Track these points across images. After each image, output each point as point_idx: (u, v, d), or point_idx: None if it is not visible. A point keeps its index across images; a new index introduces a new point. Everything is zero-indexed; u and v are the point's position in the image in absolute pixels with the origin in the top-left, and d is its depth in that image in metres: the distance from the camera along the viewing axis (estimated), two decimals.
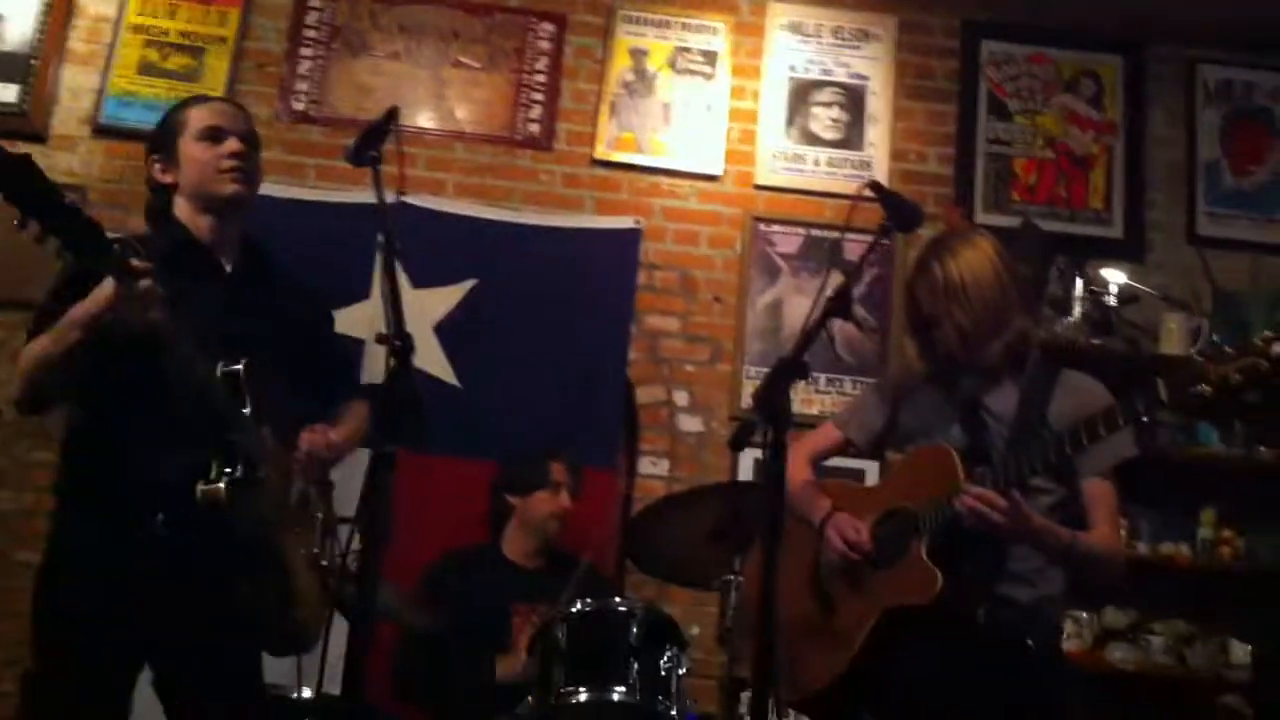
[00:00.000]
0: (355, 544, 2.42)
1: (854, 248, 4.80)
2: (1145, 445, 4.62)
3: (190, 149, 2.90)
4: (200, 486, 2.58)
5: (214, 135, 2.91)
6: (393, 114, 2.64)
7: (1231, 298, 4.98)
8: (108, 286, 2.45)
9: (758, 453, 2.34)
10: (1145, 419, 2.49)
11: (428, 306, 4.94)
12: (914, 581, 2.67)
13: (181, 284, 2.62)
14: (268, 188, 4.89)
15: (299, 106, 5.21)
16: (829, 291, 2.57)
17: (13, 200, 2.26)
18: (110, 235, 2.44)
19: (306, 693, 3.37)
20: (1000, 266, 2.88)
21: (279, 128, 5.17)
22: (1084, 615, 4.68)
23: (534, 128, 5.29)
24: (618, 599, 3.53)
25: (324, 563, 2.97)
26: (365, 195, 3.12)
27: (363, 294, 4.74)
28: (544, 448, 4.39)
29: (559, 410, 4.87)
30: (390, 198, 2.62)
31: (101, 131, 5.13)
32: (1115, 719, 4.67)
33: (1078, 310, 4.95)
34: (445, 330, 4.94)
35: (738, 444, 2.41)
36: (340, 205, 4.98)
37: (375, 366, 4.63)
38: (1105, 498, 2.82)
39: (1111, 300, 4.99)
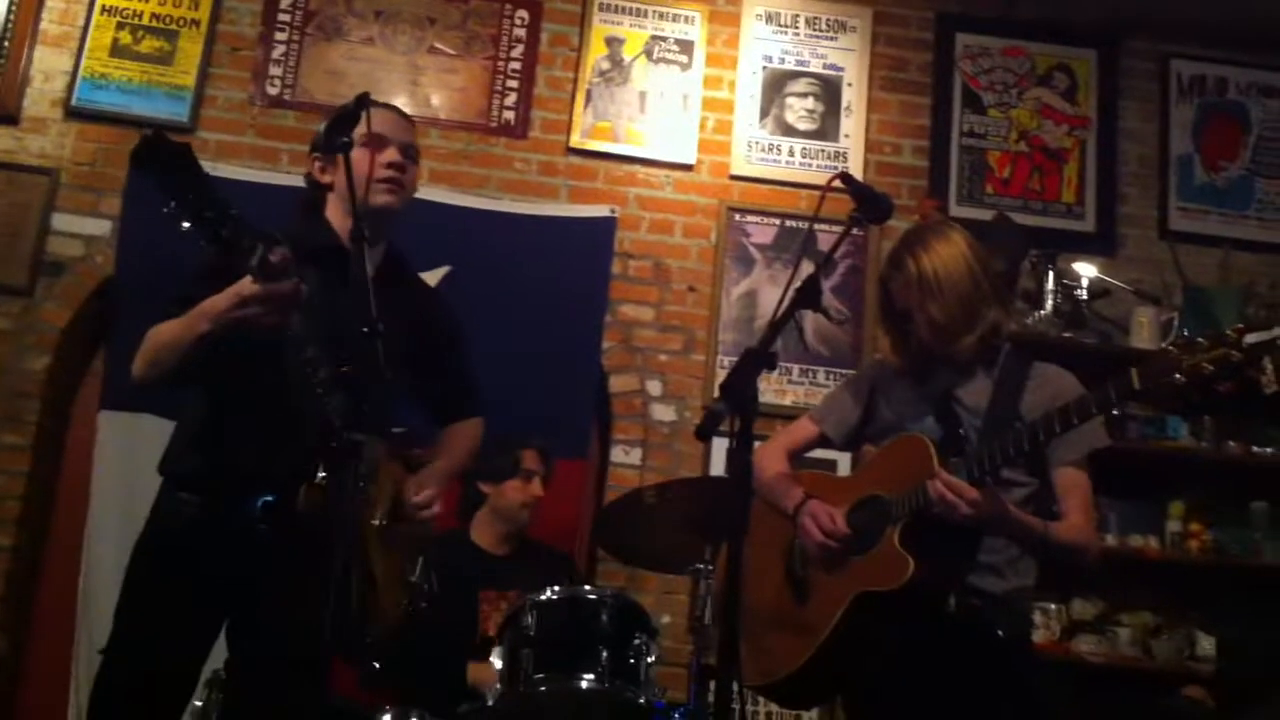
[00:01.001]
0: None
1: (828, 239, 4.84)
2: (1115, 437, 4.71)
3: (355, 155, 2.79)
4: (303, 488, 2.56)
5: (376, 142, 2.88)
6: (363, 100, 2.63)
7: (1202, 292, 5.01)
8: (247, 284, 2.45)
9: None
10: (1117, 408, 2.50)
11: None
12: (886, 567, 2.68)
13: (320, 285, 2.63)
14: (240, 172, 4.98)
15: (273, 91, 5.18)
16: (798, 282, 2.58)
17: (165, 189, 2.26)
18: (260, 231, 2.43)
19: None
20: (973, 260, 2.89)
21: (252, 112, 5.15)
22: (1052, 607, 4.71)
23: (509, 115, 5.27)
24: (587, 587, 3.52)
25: (412, 579, 2.96)
26: None
27: None
28: (517, 435, 4.38)
29: (532, 399, 4.85)
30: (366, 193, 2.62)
31: (74, 114, 5.09)
32: (1082, 710, 4.71)
33: (1050, 303, 4.98)
34: None
35: (705, 433, 2.41)
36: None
37: None
38: (1077, 487, 2.83)
39: (1083, 294, 5.02)
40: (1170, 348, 2.45)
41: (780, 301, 2.57)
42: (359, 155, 2.82)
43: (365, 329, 2.39)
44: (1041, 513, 2.81)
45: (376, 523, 2.79)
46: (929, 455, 2.72)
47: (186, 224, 2.29)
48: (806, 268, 5.11)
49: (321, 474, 2.57)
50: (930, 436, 2.80)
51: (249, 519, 2.68)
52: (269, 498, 2.68)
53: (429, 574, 3.04)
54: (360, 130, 2.71)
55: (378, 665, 3.33)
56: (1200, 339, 2.41)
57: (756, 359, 2.41)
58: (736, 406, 2.32)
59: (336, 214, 2.92)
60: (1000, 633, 2.76)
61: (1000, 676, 2.76)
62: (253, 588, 2.71)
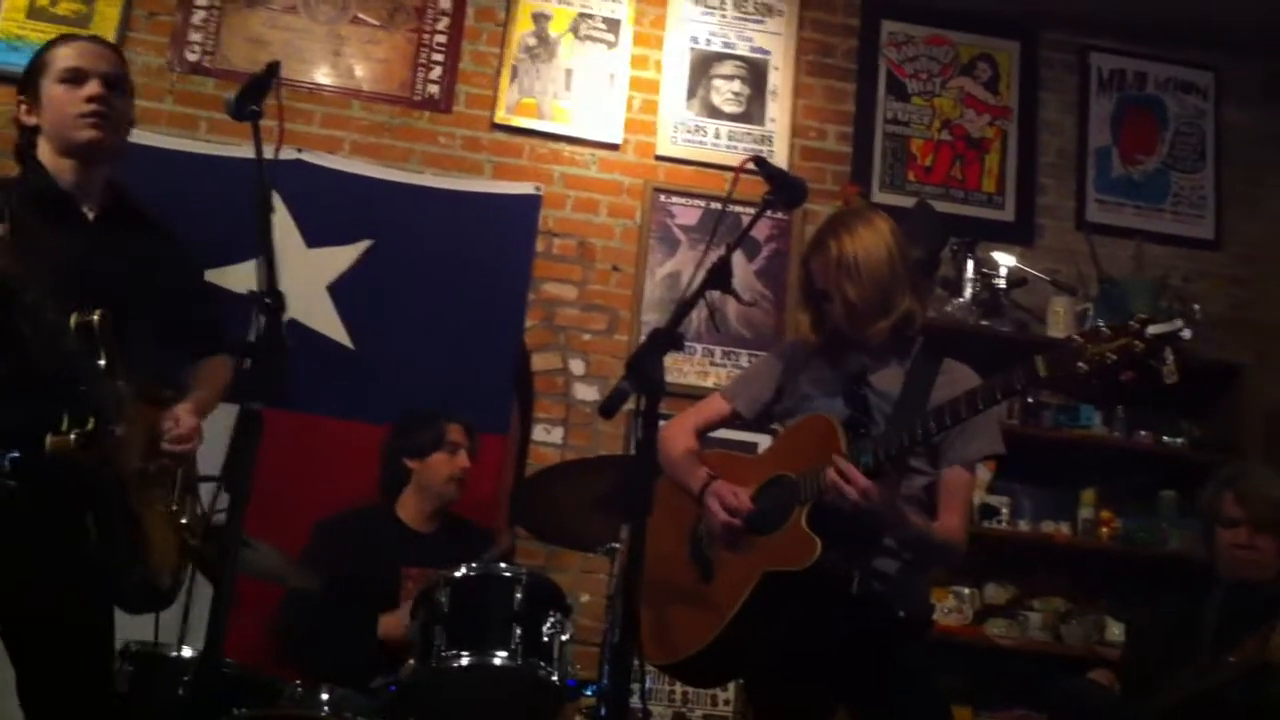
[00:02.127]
0: (220, 502, 2.40)
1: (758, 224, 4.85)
2: (1029, 425, 4.78)
3: (51, 90, 2.82)
4: (50, 438, 2.52)
5: (75, 77, 2.82)
6: (273, 68, 2.59)
7: (1116, 284, 5.08)
8: None
9: None
10: (1021, 395, 2.55)
11: (322, 266, 4.87)
12: (793, 547, 2.70)
13: (38, 230, 2.57)
14: (157, 139, 4.90)
15: (192, 57, 5.09)
16: (710, 264, 2.59)
17: None
18: None
19: (188, 651, 3.33)
20: (894, 249, 2.93)
21: (171, 78, 5.06)
22: (965, 591, 4.77)
23: (433, 89, 5.22)
24: (502, 564, 3.51)
25: (183, 520, 2.92)
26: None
27: (251, 252, 4.62)
28: (440, 410, 4.36)
29: (453, 374, 4.84)
30: (291, 154, 2.57)
31: None
32: (993, 693, 4.78)
33: (968, 291, 5.03)
34: (340, 291, 4.87)
35: (608, 411, 2.41)
36: (231, 160, 4.86)
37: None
38: (958, 487, 2.89)
39: (1001, 283, 5.08)
40: (1075, 337, 2.50)
41: (689, 283, 2.58)
42: (58, 92, 2.81)
43: (268, 299, 2.35)
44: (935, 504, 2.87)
45: (135, 464, 2.74)
46: (834, 435, 2.75)
47: None
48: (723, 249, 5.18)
49: (67, 421, 2.54)
50: (838, 417, 2.82)
51: None
52: (14, 454, 2.59)
53: (198, 510, 2.99)
54: (59, 67, 2.73)
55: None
56: (1105, 328, 2.46)
57: (663, 339, 2.41)
58: (641, 386, 2.32)
59: (48, 155, 2.84)
60: (901, 614, 2.80)
61: (899, 658, 2.81)
62: (11, 548, 2.62)
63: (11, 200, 2.47)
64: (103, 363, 2.64)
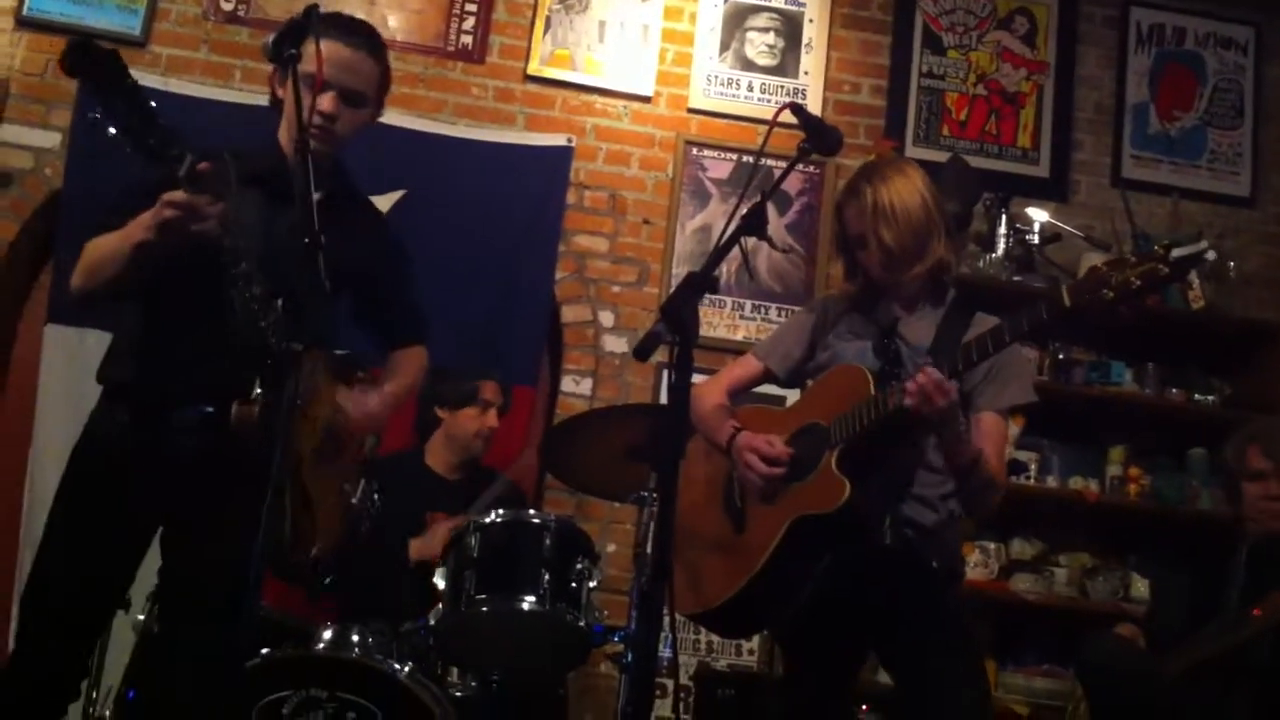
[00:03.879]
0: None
1: (789, 178, 4.84)
2: (1059, 382, 4.76)
3: (291, 86, 2.75)
4: (236, 405, 2.56)
5: (312, 84, 2.73)
6: (311, 11, 2.59)
7: (1151, 240, 5.04)
8: (175, 193, 2.42)
9: None
10: (1049, 327, 2.52)
11: None
12: (822, 491, 2.70)
13: (261, 206, 2.63)
14: (192, 88, 4.93)
15: (227, 6, 5.11)
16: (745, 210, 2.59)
17: (96, 96, 2.22)
18: (188, 141, 2.40)
19: None
20: (927, 196, 2.92)
21: (206, 27, 5.08)
22: (991, 545, 4.77)
23: (467, 40, 5.22)
24: (531, 511, 3.54)
25: (353, 501, 2.96)
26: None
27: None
28: (477, 366, 4.39)
29: (484, 325, 4.87)
30: (313, 108, 2.59)
31: (25, 24, 5.01)
32: (1018, 648, 4.80)
33: (1001, 247, 5.00)
34: None
35: (642, 353, 2.42)
36: (266, 109, 4.90)
37: None
38: (993, 431, 2.87)
39: (1034, 238, 5.05)
40: (1099, 265, 2.48)
41: (725, 228, 2.58)
42: (294, 88, 2.76)
43: (307, 240, 2.37)
44: None
45: (311, 443, 2.77)
46: (866, 383, 2.75)
47: (113, 130, 2.26)
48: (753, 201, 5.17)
49: (257, 391, 2.57)
50: (869, 368, 2.82)
51: (181, 430, 2.67)
52: (206, 408, 2.66)
53: (371, 495, 3.05)
54: (309, 60, 2.63)
55: (327, 582, 3.36)
56: (1130, 255, 2.45)
57: (697, 282, 2.41)
58: (676, 328, 2.33)
59: (285, 133, 2.88)
60: (935, 564, 2.80)
61: (933, 607, 2.81)
62: (184, 500, 2.70)
63: (241, 175, 2.51)
64: (302, 342, 2.66)
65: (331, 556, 2.92)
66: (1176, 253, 2.39)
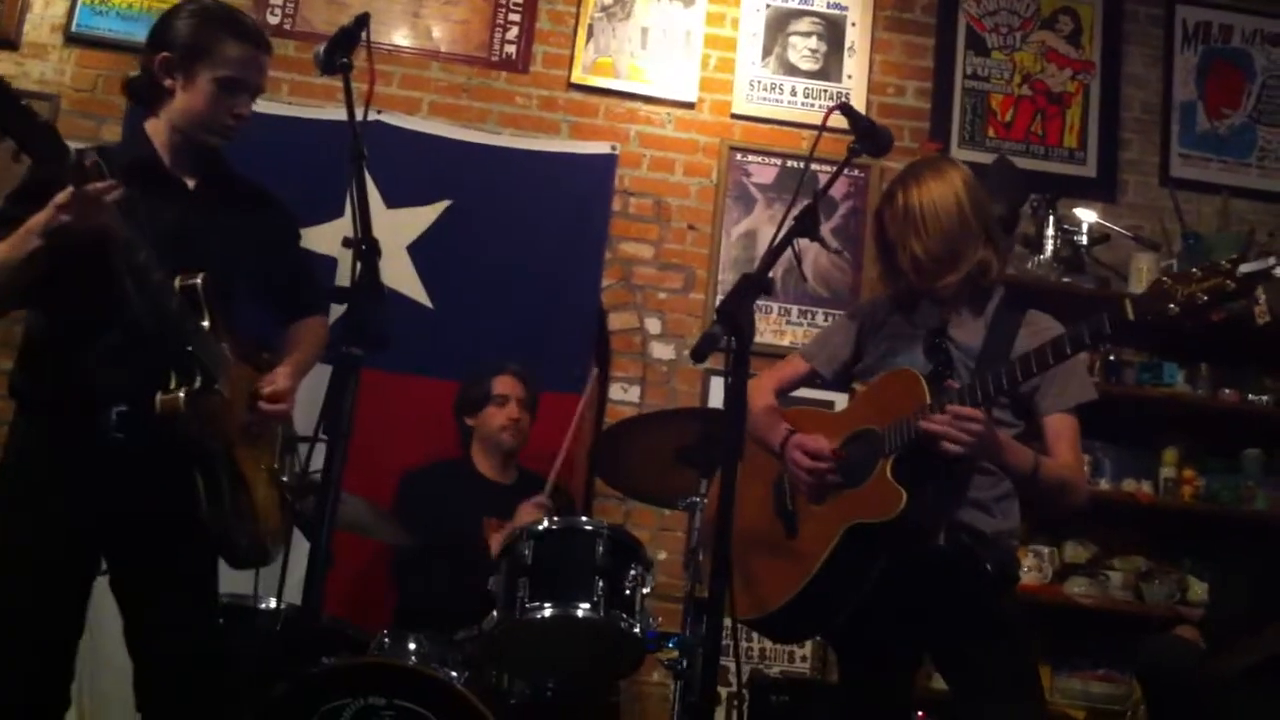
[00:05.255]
0: (315, 462, 2.46)
1: (828, 179, 4.84)
2: (1111, 383, 4.72)
3: (204, 85, 2.80)
4: (159, 396, 2.58)
5: (233, 88, 2.82)
6: (363, 20, 2.61)
7: (1201, 239, 5.00)
8: (64, 192, 2.42)
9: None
10: (1111, 339, 2.50)
11: (402, 226, 4.92)
12: (878, 499, 2.69)
13: (140, 199, 2.61)
14: None
15: (274, 20, 5.14)
16: (796, 212, 2.58)
17: None
18: (71, 145, 2.42)
19: (271, 603, 3.41)
20: (965, 198, 2.87)
21: None
22: (1045, 550, 4.74)
23: (510, 49, 5.24)
24: (584, 518, 3.55)
25: (284, 478, 2.98)
26: (339, 112, 3.14)
27: (335, 212, 4.72)
28: (489, 364, 4.41)
29: (530, 334, 4.87)
30: (370, 115, 2.61)
31: (74, 40, 5.06)
32: (1074, 653, 4.76)
33: (1049, 248, 4.97)
34: (418, 251, 4.92)
35: (700, 354, 2.42)
36: (314, 122, 4.96)
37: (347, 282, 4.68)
38: (1067, 431, 2.85)
39: (1083, 239, 5.01)
40: (1164, 278, 2.45)
41: (778, 230, 2.58)
42: (210, 94, 2.79)
43: (364, 245, 2.40)
44: None
45: (238, 421, 2.79)
46: (920, 387, 2.73)
47: (14, 152, 2.28)
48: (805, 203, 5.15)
49: (174, 380, 2.59)
50: (920, 371, 2.81)
51: (103, 432, 2.65)
52: (122, 408, 2.64)
53: (300, 470, 3.04)
54: (228, 64, 2.73)
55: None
56: (1195, 269, 2.42)
57: (753, 284, 2.41)
58: (732, 330, 2.33)
59: (159, 127, 2.85)
60: (988, 567, 2.78)
61: (986, 610, 2.79)
62: (121, 503, 2.68)
63: (114, 167, 2.50)
64: (206, 324, 2.69)
65: (275, 534, 2.93)
66: (1244, 268, 2.36)
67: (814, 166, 5.01)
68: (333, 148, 4.49)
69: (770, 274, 2.48)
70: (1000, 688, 2.73)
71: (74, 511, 2.65)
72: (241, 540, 2.81)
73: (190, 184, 2.88)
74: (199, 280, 2.68)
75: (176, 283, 2.64)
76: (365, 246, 2.41)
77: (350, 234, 2.48)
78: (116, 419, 2.65)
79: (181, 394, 2.59)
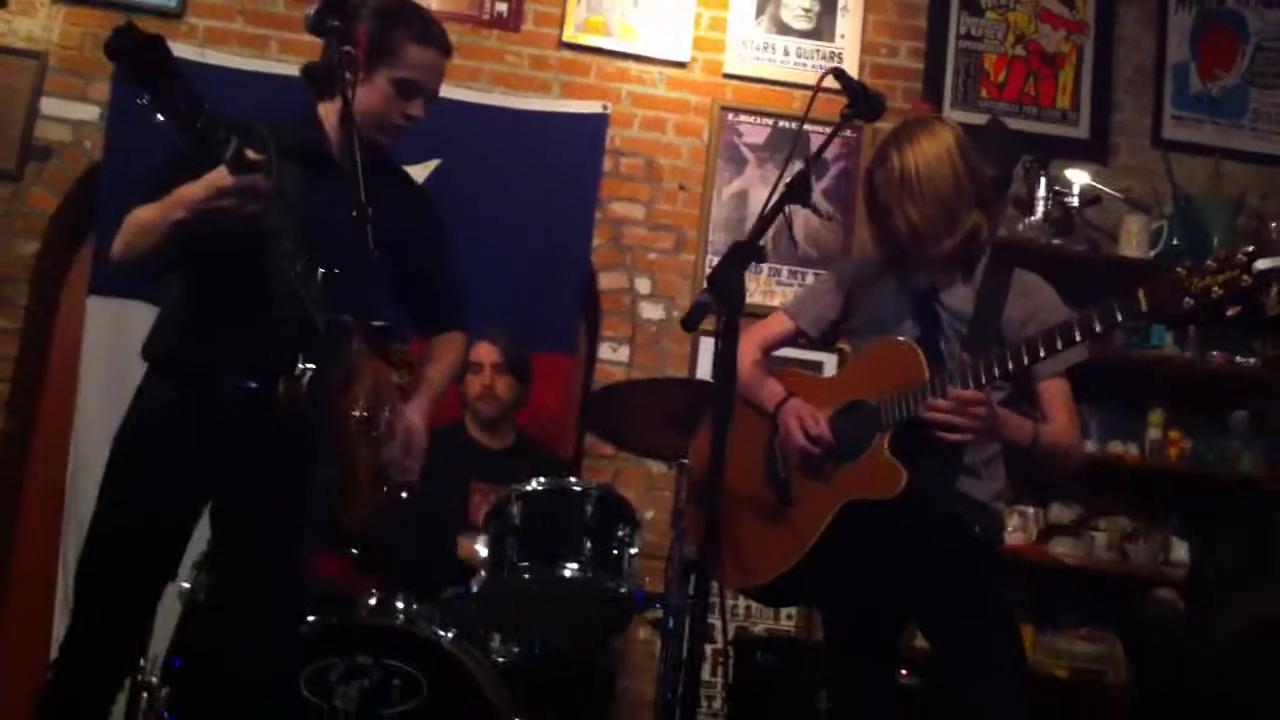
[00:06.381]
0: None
1: (820, 140, 4.82)
2: (1098, 344, 4.72)
3: (382, 84, 2.81)
4: (282, 380, 2.58)
5: (409, 91, 2.83)
6: None
7: (1193, 202, 5.00)
8: (218, 174, 2.43)
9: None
10: (1122, 328, 2.50)
11: None
12: (877, 476, 2.70)
13: (300, 182, 2.63)
14: (228, 59, 4.94)
15: None
16: (789, 178, 2.58)
17: (138, 80, 2.22)
18: (232, 119, 2.41)
19: None
20: (958, 159, 2.85)
21: None
22: (1030, 510, 4.77)
23: (502, 7, 5.21)
24: (572, 479, 3.56)
25: (389, 474, 2.97)
26: None
27: None
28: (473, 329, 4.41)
29: (521, 293, 4.88)
30: (355, 83, 2.60)
31: None
32: (1057, 612, 4.80)
33: (1040, 210, 4.96)
34: None
35: (690, 323, 2.43)
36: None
37: None
38: (1061, 393, 2.86)
39: (1074, 201, 5.00)
40: (1179, 270, 2.44)
41: (770, 196, 2.57)
42: (386, 94, 2.81)
43: (355, 213, 2.39)
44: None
45: (357, 414, 2.79)
46: (919, 363, 2.73)
47: (160, 117, 2.26)
48: (798, 167, 5.12)
49: (301, 366, 2.59)
50: (909, 336, 2.81)
51: (228, 404, 2.69)
52: (251, 383, 2.68)
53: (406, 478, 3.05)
54: (408, 67, 2.73)
55: (355, 552, 3.41)
56: (1209, 261, 2.41)
57: (744, 252, 2.41)
58: (722, 299, 2.33)
59: (332, 114, 2.86)
60: (977, 530, 2.80)
61: (970, 573, 2.80)
62: (232, 473, 2.73)
63: (278, 151, 2.53)
64: (344, 316, 2.68)
65: (367, 526, 2.94)
66: (1261, 264, 2.35)
67: (806, 128, 4.98)
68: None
69: (762, 241, 2.47)
70: (980, 652, 2.74)
71: (184, 472, 2.71)
72: (334, 526, 2.83)
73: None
74: (340, 271, 2.66)
75: (319, 273, 2.62)
76: (357, 214, 2.41)
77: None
78: (241, 395, 2.68)
79: (305, 381, 2.58)
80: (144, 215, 2.63)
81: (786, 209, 2.57)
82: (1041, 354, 2.60)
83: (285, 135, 2.69)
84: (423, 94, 2.87)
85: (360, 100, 2.79)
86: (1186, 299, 2.38)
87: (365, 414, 2.81)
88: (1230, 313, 2.38)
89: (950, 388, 2.65)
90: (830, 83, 2.70)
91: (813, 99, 2.67)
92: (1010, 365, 2.63)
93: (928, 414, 2.64)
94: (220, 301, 2.72)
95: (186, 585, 3.45)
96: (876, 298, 3.00)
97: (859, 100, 2.69)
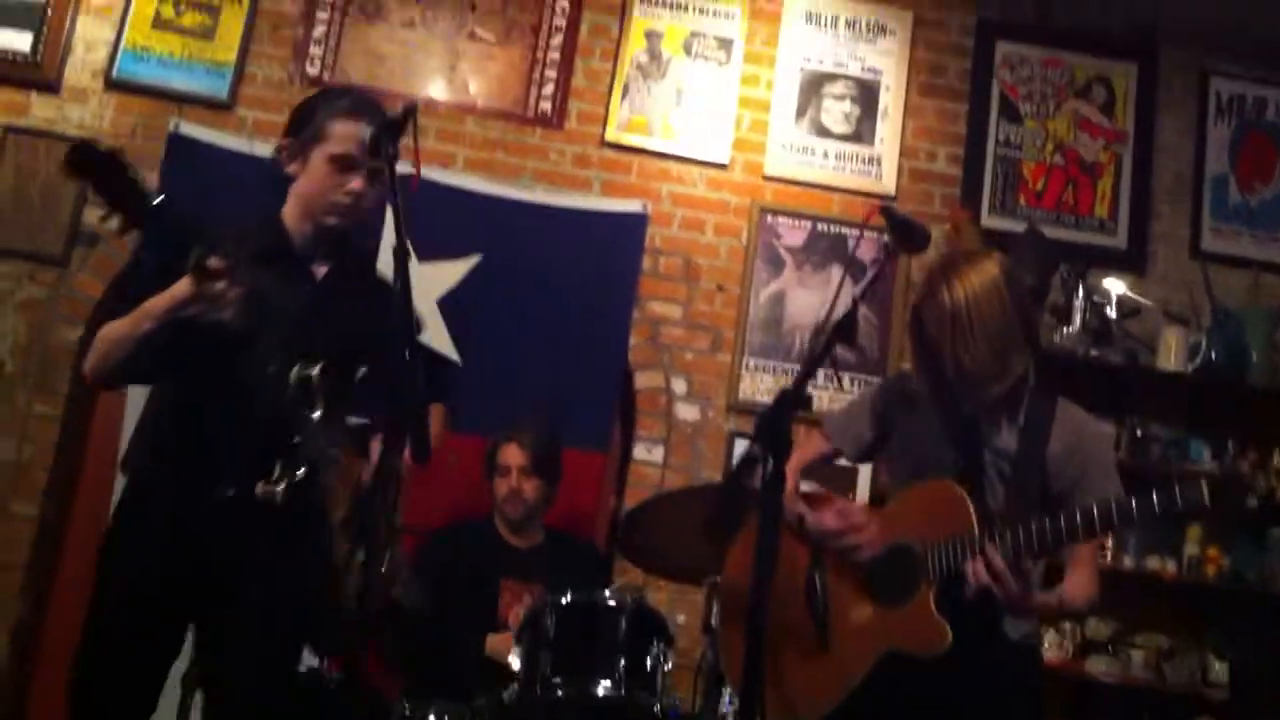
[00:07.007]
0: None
1: (857, 240, 4.87)
2: (1136, 458, 4.70)
3: (317, 165, 2.83)
4: (260, 485, 2.60)
5: (346, 166, 2.83)
6: (410, 111, 2.63)
7: (1231, 314, 4.99)
8: (183, 284, 2.48)
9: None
10: (1182, 517, 2.50)
11: (433, 280, 4.93)
12: (921, 630, 2.68)
13: (267, 286, 2.64)
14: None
15: (313, 71, 5.19)
16: (834, 317, 2.58)
17: (101, 194, 2.29)
18: (195, 226, 2.47)
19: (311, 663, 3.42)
20: (1008, 298, 2.77)
21: (292, 91, 5.15)
22: (1067, 625, 4.72)
23: (546, 105, 5.28)
24: (608, 592, 3.55)
25: (382, 569, 2.98)
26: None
27: None
28: (498, 434, 4.40)
29: (557, 391, 4.88)
30: (406, 168, 2.62)
31: (114, 85, 5.12)
32: None
33: (1078, 320, 4.96)
34: (448, 305, 4.93)
35: (739, 478, 2.43)
36: None
37: None
38: (1090, 552, 2.84)
39: (1112, 311, 5.00)
40: (1246, 471, 2.43)
41: (817, 335, 2.57)
42: (323, 173, 2.82)
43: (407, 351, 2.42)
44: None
45: (344, 515, 2.80)
46: (967, 513, 2.70)
47: (121, 227, 2.34)
48: (836, 273, 5.12)
49: (280, 470, 2.61)
50: (952, 474, 2.80)
51: (208, 513, 2.68)
52: (229, 490, 2.66)
53: (399, 566, 3.05)
54: (334, 141, 2.78)
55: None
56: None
57: (791, 400, 2.41)
58: (771, 446, 2.33)
59: (294, 212, 2.89)
60: (1016, 670, 2.78)
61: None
62: (216, 582, 2.72)
63: (244, 253, 2.55)
64: (318, 415, 2.70)
65: (350, 628, 2.89)
66: None
67: (844, 230, 5.04)
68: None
69: (802, 390, 2.47)
70: None
71: (172, 574, 2.70)
72: (328, 626, 2.84)
73: (320, 271, 2.90)
74: (315, 371, 2.68)
75: (293, 374, 2.65)
76: (410, 352, 2.43)
77: None
78: (220, 503, 2.67)
79: (281, 486, 2.60)
80: (113, 330, 2.66)
81: (835, 351, 2.56)
82: (1098, 529, 2.58)
83: (251, 242, 2.70)
84: (363, 170, 2.83)
85: (302, 186, 2.85)
86: (1250, 498, 2.38)
87: (346, 515, 2.81)
88: None
89: (994, 553, 2.63)
90: (858, 181, 2.71)
91: (859, 237, 2.70)
92: (1051, 541, 2.61)
93: (970, 577, 2.63)
94: (195, 410, 2.73)
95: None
96: (919, 428, 2.96)
97: (903, 234, 2.70)
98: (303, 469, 2.65)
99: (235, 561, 2.70)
